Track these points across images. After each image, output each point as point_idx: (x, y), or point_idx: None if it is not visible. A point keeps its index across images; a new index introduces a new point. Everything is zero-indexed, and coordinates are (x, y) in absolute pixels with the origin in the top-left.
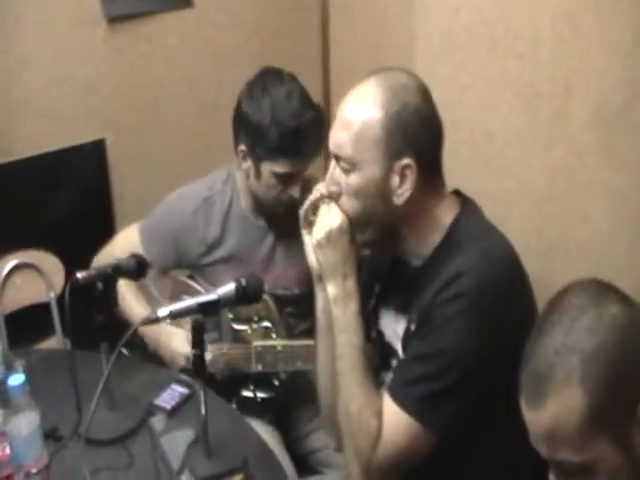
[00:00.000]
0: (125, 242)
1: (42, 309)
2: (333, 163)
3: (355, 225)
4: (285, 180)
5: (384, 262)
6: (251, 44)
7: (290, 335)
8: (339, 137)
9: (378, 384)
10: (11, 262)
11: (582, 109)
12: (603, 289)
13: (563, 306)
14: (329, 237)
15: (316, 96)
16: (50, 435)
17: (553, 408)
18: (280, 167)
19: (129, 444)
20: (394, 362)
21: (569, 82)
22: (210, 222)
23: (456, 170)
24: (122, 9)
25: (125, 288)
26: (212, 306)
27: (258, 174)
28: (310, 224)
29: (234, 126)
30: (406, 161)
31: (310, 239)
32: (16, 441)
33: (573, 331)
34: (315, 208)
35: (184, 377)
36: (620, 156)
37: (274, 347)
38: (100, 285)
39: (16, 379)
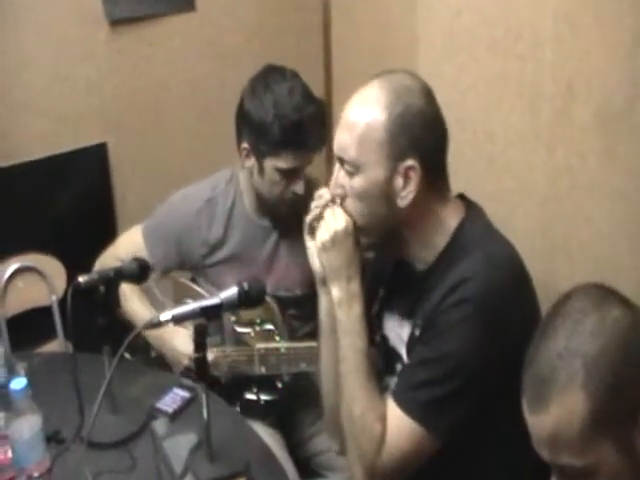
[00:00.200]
0: (128, 243)
1: (44, 312)
2: (337, 166)
3: (359, 228)
4: (289, 176)
5: (388, 266)
6: (253, 45)
7: (293, 338)
8: (343, 140)
9: (382, 388)
10: (13, 265)
11: (584, 110)
12: (605, 293)
13: (566, 310)
14: (334, 240)
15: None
16: (52, 438)
17: (555, 412)
18: (283, 162)
19: (131, 447)
20: (398, 366)
21: (571, 83)
22: (213, 223)
23: (459, 171)
24: (124, 12)
25: (129, 289)
26: (215, 310)
27: (261, 171)
28: (313, 230)
29: (237, 124)
30: (410, 162)
31: (313, 243)
32: (18, 444)
33: (576, 335)
34: (321, 217)
35: (186, 381)
36: (622, 157)
37: (277, 349)
38: (102, 288)
39: (18, 382)
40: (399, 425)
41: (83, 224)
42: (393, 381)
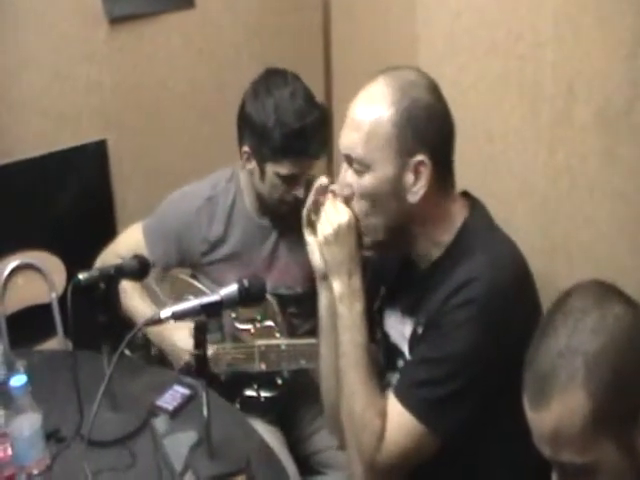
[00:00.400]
0: (129, 241)
1: (43, 310)
2: (345, 165)
3: (366, 227)
4: (289, 181)
5: (391, 263)
6: (253, 44)
7: (293, 336)
8: (350, 138)
9: (383, 385)
10: (12, 263)
11: (584, 110)
12: (606, 291)
13: (566, 308)
14: (337, 233)
15: (318, 97)
16: (52, 436)
17: (557, 409)
18: (284, 168)
19: (131, 445)
20: (400, 363)
21: (571, 83)
22: (213, 221)
23: (459, 171)
24: (124, 9)
25: (129, 286)
26: (215, 307)
27: (262, 175)
28: (312, 224)
29: (238, 127)
30: (420, 157)
31: (313, 239)
32: (18, 442)
33: (576, 332)
34: (317, 206)
35: (186, 378)
36: (622, 158)
37: (278, 346)
38: (102, 285)
39: (18, 380)
40: (400, 421)
41: (83, 221)
42: (394, 377)
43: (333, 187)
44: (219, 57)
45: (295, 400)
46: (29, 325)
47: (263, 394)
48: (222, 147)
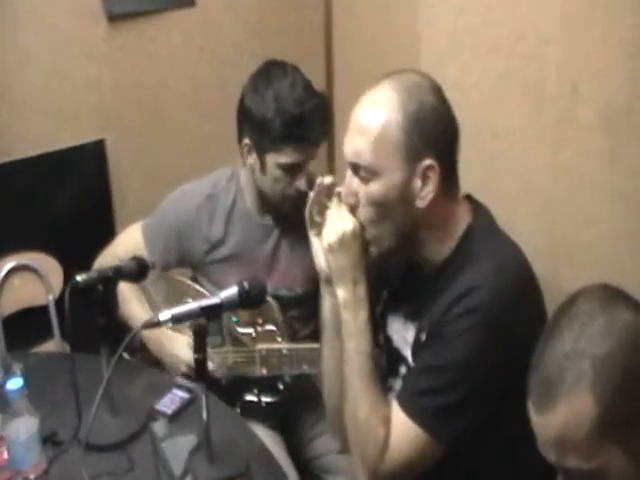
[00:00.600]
0: (127, 242)
1: (40, 312)
2: (349, 173)
3: (373, 236)
4: (291, 171)
5: (395, 266)
6: (254, 43)
7: (293, 339)
8: (357, 144)
9: (385, 390)
10: (9, 264)
11: (588, 110)
12: (612, 295)
13: (573, 312)
14: (342, 241)
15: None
16: (49, 440)
17: (563, 412)
18: (285, 157)
19: (130, 449)
20: (402, 369)
21: (575, 83)
22: (214, 219)
23: (461, 170)
24: (124, 7)
25: (127, 290)
26: (215, 310)
27: (263, 167)
28: (316, 224)
29: (238, 120)
30: (428, 162)
31: (319, 241)
32: (14, 446)
33: (584, 336)
34: (320, 206)
35: (185, 381)
36: (625, 158)
37: (279, 350)
38: (100, 287)
39: (14, 383)
40: (403, 430)
41: (81, 222)
42: (397, 383)
43: (339, 190)
44: (220, 56)
45: (296, 405)
46: (25, 327)
47: (264, 399)
48: (223, 146)
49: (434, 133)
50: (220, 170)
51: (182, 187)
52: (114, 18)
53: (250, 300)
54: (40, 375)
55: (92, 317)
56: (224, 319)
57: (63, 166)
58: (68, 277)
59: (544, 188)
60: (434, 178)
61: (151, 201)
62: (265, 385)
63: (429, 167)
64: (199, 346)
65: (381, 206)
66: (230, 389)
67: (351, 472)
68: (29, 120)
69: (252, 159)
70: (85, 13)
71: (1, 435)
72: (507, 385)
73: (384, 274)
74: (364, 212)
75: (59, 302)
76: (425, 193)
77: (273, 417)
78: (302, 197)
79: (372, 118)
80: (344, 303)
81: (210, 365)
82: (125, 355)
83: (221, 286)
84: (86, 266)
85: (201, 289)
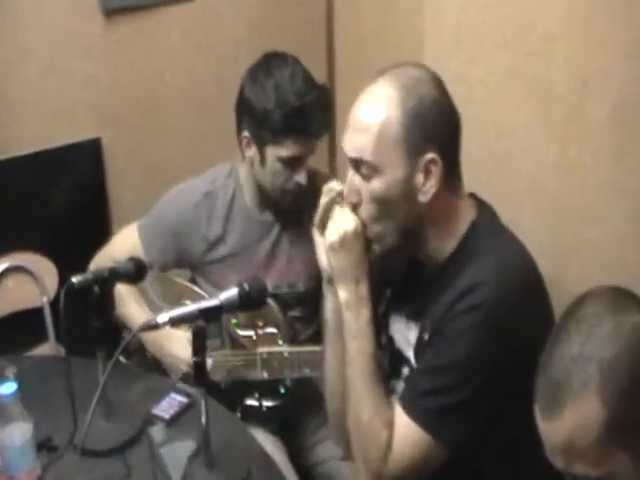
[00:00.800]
0: (124, 242)
1: (34, 314)
2: (351, 171)
3: (375, 234)
4: (291, 165)
5: (398, 264)
6: (253, 38)
7: (295, 341)
8: (358, 142)
9: (388, 392)
10: (2, 265)
11: (598, 106)
12: (621, 297)
13: (580, 314)
14: (343, 241)
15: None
16: (44, 445)
17: (570, 418)
18: (285, 150)
19: (127, 455)
20: (404, 370)
21: (585, 79)
22: (212, 217)
23: (465, 169)
24: (121, 1)
25: (124, 291)
26: (214, 312)
27: (263, 161)
28: (324, 226)
29: (237, 112)
30: (430, 156)
31: (322, 240)
32: (8, 452)
33: (591, 339)
34: (329, 212)
35: (183, 385)
36: (635, 156)
37: (280, 353)
38: (97, 289)
39: (8, 387)
40: (406, 432)
41: (76, 222)
42: (399, 385)
43: (339, 188)
44: (219, 51)
45: (298, 409)
46: (19, 330)
47: (265, 403)
48: (222, 144)
49: (435, 127)
50: (218, 167)
51: (179, 186)
52: (111, 13)
53: (250, 301)
54: (34, 379)
55: (88, 319)
56: (224, 321)
57: (58, 164)
58: (63, 278)
59: (551, 187)
60: (436, 172)
61: (148, 200)
62: (266, 389)
63: (431, 161)
64: (198, 349)
65: (384, 203)
66: (230, 393)
67: (354, 479)
68: (24, 117)
69: (251, 152)
70: (81, 8)
71: None
72: (511, 385)
73: (387, 273)
74: (366, 210)
75: (54, 304)
76: (428, 187)
77: (274, 422)
78: (302, 191)
79: (372, 115)
80: (346, 303)
81: (209, 363)
82: (122, 358)
83: (221, 287)
84: (81, 267)
85: (200, 291)
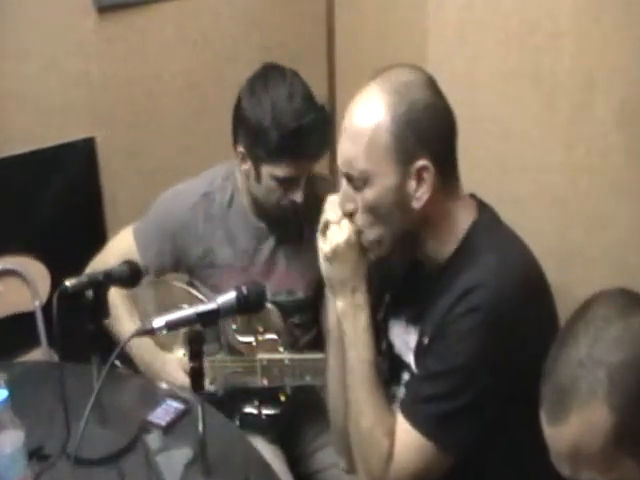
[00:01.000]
0: (119, 247)
1: (26, 319)
2: (344, 181)
3: (370, 242)
4: (286, 184)
5: (397, 268)
6: (252, 35)
7: (294, 347)
8: (347, 152)
9: (389, 399)
10: None
11: (606, 104)
12: (631, 300)
13: (588, 316)
14: (335, 251)
15: (320, 94)
16: (35, 454)
17: (576, 423)
18: (281, 171)
19: (121, 463)
20: (405, 375)
21: (592, 76)
22: (210, 219)
23: (469, 171)
24: None
25: (118, 300)
26: (211, 316)
27: (258, 177)
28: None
29: (233, 125)
30: (421, 163)
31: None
32: None
33: (599, 342)
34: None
35: (180, 392)
36: None
37: (281, 360)
38: (90, 293)
39: None
40: (407, 440)
41: (69, 224)
42: (399, 391)
43: (333, 198)
44: (216, 49)
45: (298, 417)
46: (11, 335)
47: (265, 411)
48: (220, 144)
49: (427, 132)
50: (216, 167)
51: (175, 187)
52: (104, 9)
53: (249, 305)
54: (26, 386)
55: (81, 324)
56: (225, 326)
57: (51, 165)
58: (55, 282)
59: (558, 188)
60: (429, 178)
61: (144, 202)
62: (266, 396)
63: (423, 168)
64: (195, 354)
65: (377, 211)
66: (229, 400)
67: None
68: (14, 116)
69: (246, 166)
70: (74, 4)
71: None
72: (514, 387)
73: (386, 277)
74: (361, 218)
75: (46, 308)
76: (420, 194)
77: (274, 430)
78: (296, 208)
79: (362, 123)
80: (343, 313)
81: (206, 367)
82: (117, 363)
83: (219, 290)
84: (75, 270)
85: (197, 293)
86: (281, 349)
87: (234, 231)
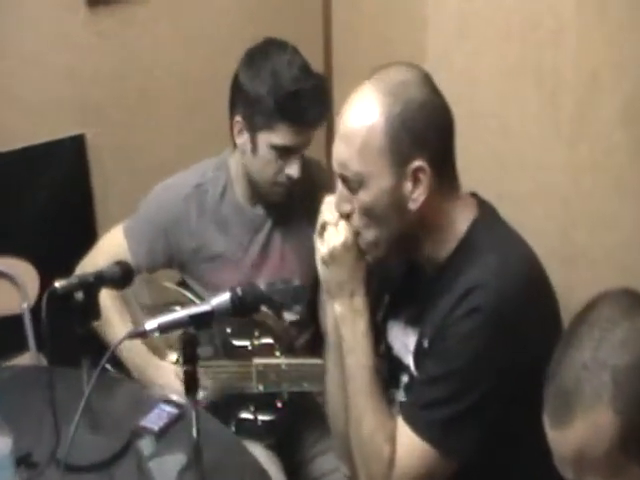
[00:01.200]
0: (109, 246)
1: (14, 321)
2: (340, 182)
3: (367, 244)
4: (283, 154)
5: (396, 269)
6: (247, 30)
7: (291, 347)
8: (341, 154)
9: (390, 404)
10: None
11: (610, 102)
12: (636, 300)
13: (593, 318)
14: (332, 255)
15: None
16: (24, 461)
17: (580, 428)
18: (278, 137)
19: (113, 470)
20: (404, 378)
21: (595, 72)
22: (202, 212)
23: (470, 170)
24: None
25: (109, 303)
26: (205, 318)
27: (255, 149)
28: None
29: (231, 96)
30: (417, 164)
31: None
32: None
33: (604, 345)
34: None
35: (173, 396)
36: None
37: (278, 365)
38: (80, 295)
39: None
40: (409, 445)
41: (58, 224)
42: (398, 394)
43: (330, 199)
44: (211, 43)
45: (296, 422)
46: None
47: (261, 417)
48: (214, 142)
49: (423, 132)
50: (205, 161)
51: (164, 182)
52: (94, 2)
53: (244, 307)
54: (14, 390)
55: (71, 327)
56: (219, 329)
57: (39, 163)
58: (44, 284)
59: (561, 188)
60: (425, 179)
61: (135, 200)
62: (262, 402)
63: (418, 169)
64: (188, 357)
65: (373, 213)
66: (224, 406)
67: None
68: (1, 113)
69: (243, 139)
70: None
71: None
72: (517, 389)
73: (386, 277)
74: (357, 220)
75: (35, 311)
76: (417, 195)
77: (270, 436)
78: (293, 185)
79: (356, 124)
80: (341, 318)
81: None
82: (108, 366)
83: (212, 287)
84: (64, 271)
85: (190, 295)
86: (278, 353)
87: (227, 223)
